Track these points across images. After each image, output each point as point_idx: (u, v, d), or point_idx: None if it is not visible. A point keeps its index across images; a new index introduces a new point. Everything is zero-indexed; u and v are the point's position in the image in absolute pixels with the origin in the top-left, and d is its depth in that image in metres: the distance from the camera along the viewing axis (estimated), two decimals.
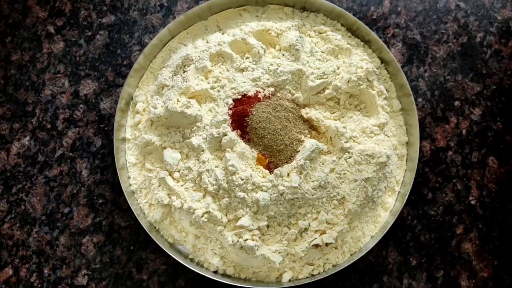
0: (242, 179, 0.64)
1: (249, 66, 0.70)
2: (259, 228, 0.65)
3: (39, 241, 0.73)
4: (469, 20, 0.78)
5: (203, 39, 0.73)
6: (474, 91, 0.77)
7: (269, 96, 0.69)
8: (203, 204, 0.66)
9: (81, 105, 0.76)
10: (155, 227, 0.70)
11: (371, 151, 0.67)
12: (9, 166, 0.74)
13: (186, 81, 0.69)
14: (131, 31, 0.77)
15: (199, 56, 0.70)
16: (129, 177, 0.71)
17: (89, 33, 0.77)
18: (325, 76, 0.70)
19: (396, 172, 0.72)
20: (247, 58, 0.71)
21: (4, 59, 0.77)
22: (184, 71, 0.70)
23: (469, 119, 0.76)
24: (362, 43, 0.74)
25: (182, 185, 0.68)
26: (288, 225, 0.66)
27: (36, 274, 0.72)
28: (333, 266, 0.68)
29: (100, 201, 0.73)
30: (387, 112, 0.71)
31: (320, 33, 0.73)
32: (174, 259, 0.67)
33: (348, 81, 0.69)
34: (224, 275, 0.68)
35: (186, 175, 0.68)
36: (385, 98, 0.72)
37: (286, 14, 0.75)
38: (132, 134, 0.73)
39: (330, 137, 0.69)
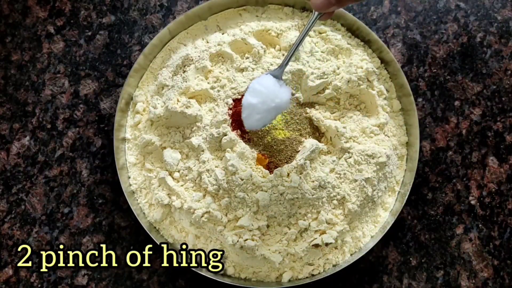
0: (242, 179, 0.64)
1: (249, 66, 0.70)
2: (259, 228, 0.65)
3: (39, 241, 0.73)
4: (469, 20, 0.78)
5: (203, 39, 0.73)
6: (474, 91, 0.77)
7: None
8: (203, 204, 0.66)
9: (81, 105, 0.76)
10: (155, 227, 0.70)
11: (371, 151, 0.67)
12: (9, 166, 0.74)
13: (186, 81, 0.69)
14: (131, 31, 0.77)
15: (199, 56, 0.70)
16: (129, 177, 0.71)
17: (89, 33, 0.77)
18: (325, 76, 0.70)
19: (396, 172, 0.72)
20: (247, 58, 0.71)
21: (4, 59, 0.77)
22: (184, 71, 0.70)
23: (469, 119, 0.76)
24: (362, 43, 0.74)
25: (182, 185, 0.68)
26: (288, 225, 0.66)
27: (36, 274, 0.72)
28: (333, 266, 0.68)
29: (100, 201, 0.73)
30: (387, 112, 0.71)
31: (320, 33, 0.73)
32: None
33: (348, 81, 0.69)
34: (224, 275, 0.68)
35: (186, 175, 0.68)
36: (385, 98, 0.72)
37: (286, 14, 0.75)
38: (132, 134, 0.73)
39: (330, 137, 0.69)
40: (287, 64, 0.65)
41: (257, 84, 0.63)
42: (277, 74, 0.65)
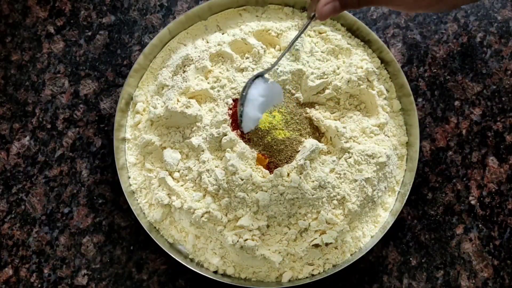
0: (242, 179, 0.64)
1: (249, 66, 0.70)
2: (259, 228, 0.65)
3: (39, 241, 0.73)
4: (469, 20, 0.78)
5: (203, 39, 0.73)
6: (474, 91, 0.77)
7: None
8: (203, 204, 0.66)
9: (81, 105, 0.76)
10: (155, 227, 0.70)
11: (371, 151, 0.67)
12: (9, 166, 0.74)
13: (186, 81, 0.69)
14: (131, 31, 0.77)
15: (199, 56, 0.70)
16: (129, 177, 0.71)
17: (89, 33, 0.77)
18: (325, 76, 0.70)
19: (396, 172, 0.72)
20: (247, 58, 0.71)
21: (4, 59, 0.77)
22: (184, 71, 0.70)
23: (469, 119, 0.76)
24: (362, 43, 0.74)
25: (182, 185, 0.68)
26: (288, 225, 0.66)
27: (36, 274, 0.72)
28: (333, 266, 0.68)
29: (100, 201, 0.73)
30: (387, 112, 0.71)
31: (320, 33, 0.73)
32: (174, 259, 0.67)
33: (348, 81, 0.69)
34: (224, 275, 0.68)
35: (186, 175, 0.68)
36: (385, 98, 0.72)
37: (286, 14, 0.75)
38: (132, 134, 0.73)
39: (330, 137, 0.69)
40: (276, 64, 0.65)
41: (260, 97, 0.62)
42: (264, 74, 0.65)
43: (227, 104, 0.68)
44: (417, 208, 0.74)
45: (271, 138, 0.67)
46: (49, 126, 0.75)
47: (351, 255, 0.69)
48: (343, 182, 0.67)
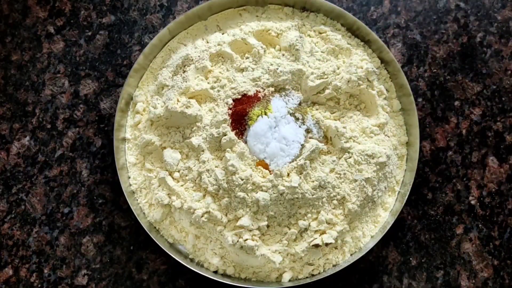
0: (242, 179, 0.64)
1: (249, 66, 0.70)
2: (259, 228, 0.65)
3: (39, 241, 0.73)
4: (469, 20, 0.78)
5: (203, 39, 0.73)
6: (474, 91, 0.77)
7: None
8: (203, 204, 0.66)
9: (81, 105, 0.76)
10: (155, 227, 0.70)
11: (371, 151, 0.67)
12: (9, 166, 0.74)
13: (186, 81, 0.69)
14: (131, 31, 0.77)
15: (199, 56, 0.70)
16: (129, 177, 0.71)
17: (89, 33, 0.77)
18: (325, 76, 0.70)
19: (396, 172, 0.72)
20: (247, 58, 0.71)
21: (4, 59, 0.77)
22: (184, 71, 0.70)
23: (469, 119, 0.76)
24: (362, 43, 0.74)
25: (182, 185, 0.68)
26: (288, 225, 0.66)
27: (36, 274, 0.72)
28: (333, 266, 0.68)
29: (100, 201, 0.73)
30: (387, 112, 0.71)
31: (320, 33, 0.73)
32: (174, 259, 0.67)
33: (348, 81, 0.69)
34: (224, 275, 0.68)
35: (186, 175, 0.68)
36: (385, 98, 0.72)
37: (286, 14, 0.75)
38: (132, 134, 0.73)
39: (330, 137, 0.69)
40: None
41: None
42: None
43: (227, 104, 0.68)
44: (417, 208, 0.74)
45: None
46: (49, 126, 0.75)
47: (351, 255, 0.69)
48: (343, 182, 0.67)
